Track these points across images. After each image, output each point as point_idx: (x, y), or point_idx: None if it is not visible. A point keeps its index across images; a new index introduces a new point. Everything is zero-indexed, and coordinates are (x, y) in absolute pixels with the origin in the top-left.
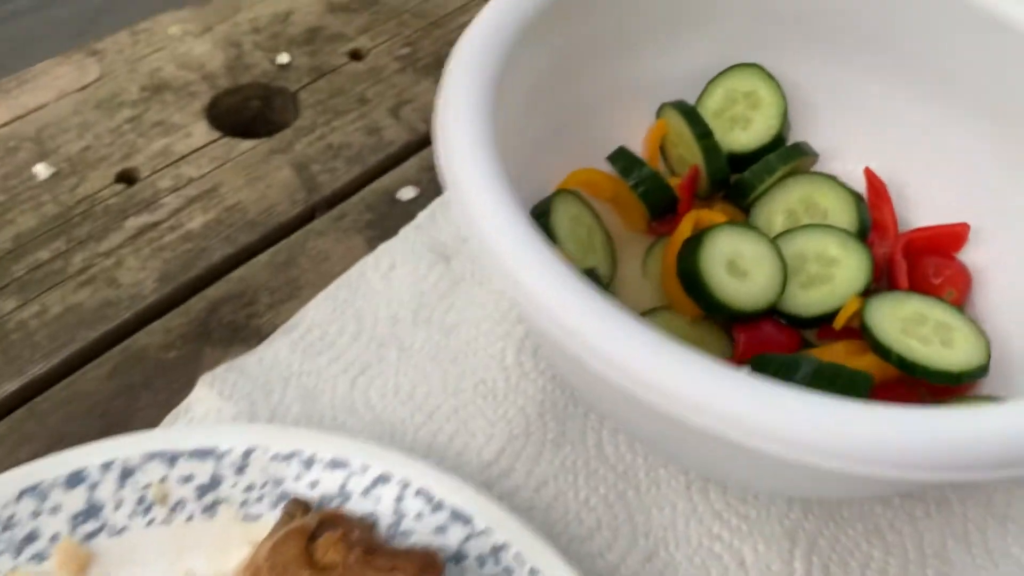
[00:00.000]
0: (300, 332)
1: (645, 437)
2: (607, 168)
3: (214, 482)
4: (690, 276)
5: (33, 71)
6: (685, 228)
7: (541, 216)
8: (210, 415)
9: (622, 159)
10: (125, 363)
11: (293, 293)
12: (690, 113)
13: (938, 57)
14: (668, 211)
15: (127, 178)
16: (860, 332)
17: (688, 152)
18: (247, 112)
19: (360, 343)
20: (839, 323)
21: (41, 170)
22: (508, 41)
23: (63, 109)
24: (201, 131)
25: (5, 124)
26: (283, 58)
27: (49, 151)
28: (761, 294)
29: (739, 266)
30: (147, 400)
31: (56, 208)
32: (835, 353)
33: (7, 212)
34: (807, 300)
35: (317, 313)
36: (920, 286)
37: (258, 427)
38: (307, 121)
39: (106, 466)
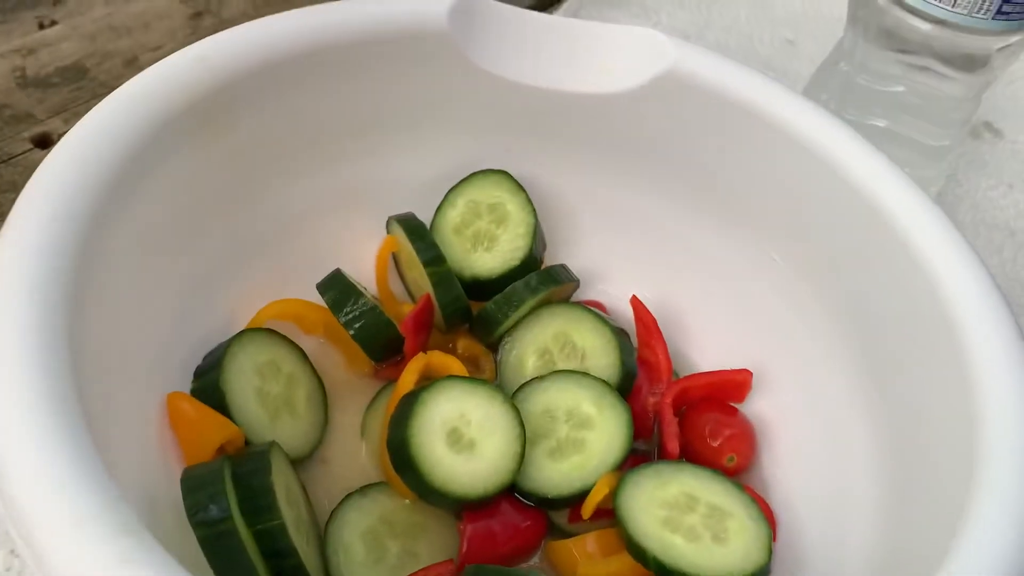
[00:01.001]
0: None
1: None
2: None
3: None
4: (399, 451)
5: None
6: (408, 379)
7: (208, 372)
8: None
9: (333, 288)
10: None
11: None
12: (416, 232)
13: (723, 170)
14: (394, 351)
15: None
16: None
17: (421, 278)
18: None
19: None
20: (588, 511)
21: None
22: (125, 154)
23: None
24: None
25: None
26: None
27: None
28: (490, 474)
29: (464, 436)
30: None
31: None
32: (585, 549)
33: None
34: (554, 475)
35: None
36: (695, 449)
37: None
38: None
39: None
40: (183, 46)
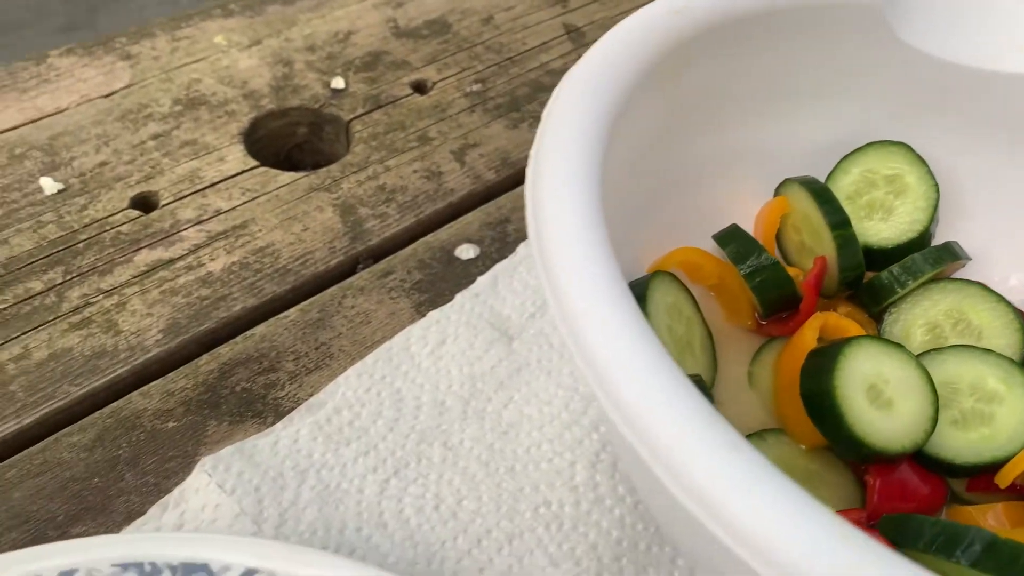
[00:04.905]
0: (327, 413)
1: None
2: (710, 247)
3: None
4: (820, 400)
5: (56, 69)
6: (809, 335)
7: None
8: (206, 511)
9: (735, 241)
10: (112, 430)
11: (322, 362)
12: (823, 194)
13: None
14: (782, 307)
15: (144, 203)
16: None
17: (814, 241)
18: (290, 139)
19: (397, 434)
20: (1006, 480)
21: (47, 184)
22: (621, 88)
23: (83, 117)
24: (236, 157)
25: (15, 127)
26: (338, 82)
27: (60, 163)
28: (907, 433)
29: (883, 394)
30: (132, 481)
31: (58, 231)
32: (995, 517)
33: (2, 230)
34: (959, 444)
35: (348, 390)
36: None
37: (262, 543)
38: (358, 157)
39: None
40: (532, 7)
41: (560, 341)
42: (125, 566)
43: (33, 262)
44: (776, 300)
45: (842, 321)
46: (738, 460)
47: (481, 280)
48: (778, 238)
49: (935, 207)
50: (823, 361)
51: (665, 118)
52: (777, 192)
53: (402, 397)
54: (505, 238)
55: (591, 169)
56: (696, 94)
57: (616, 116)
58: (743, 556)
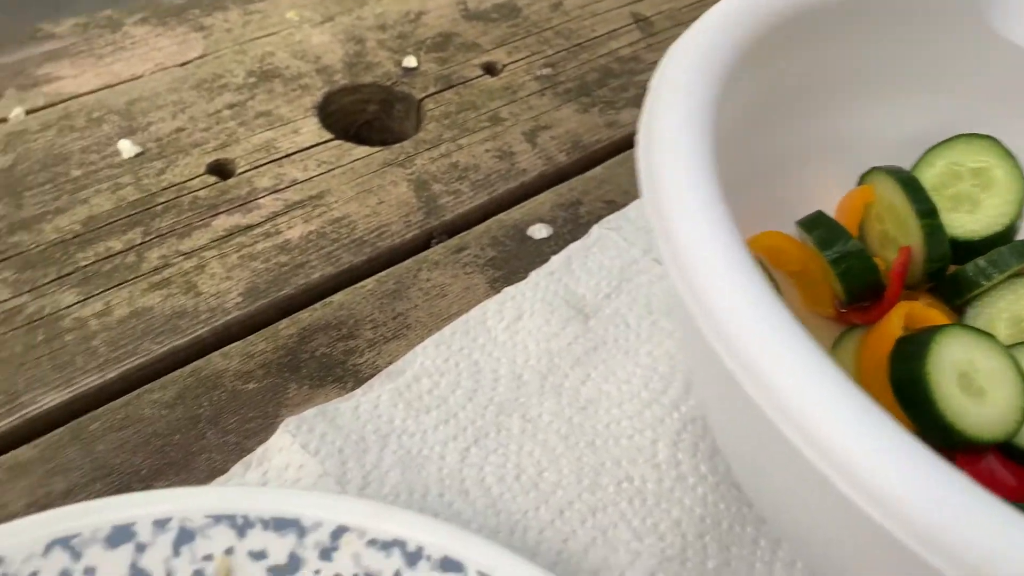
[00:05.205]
0: (406, 380)
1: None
2: (792, 233)
3: (292, 565)
4: (911, 385)
5: (132, 37)
6: (895, 323)
7: None
8: (289, 471)
9: (821, 226)
10: (193, 389)
11: (399, 332)
12: (911, 184)
13: None
14: (864, 295)
15: (221, 170)
16: None
17: (899, 230)
18: (362, 115)
19: (476, 404)
20: None
21: (126, 147)
22: (722, 66)
23: (159, 84)
24: (311, 129)
25: (93, 92)
26: (410, 61)
27: (137, 128)
28: (999, 422)
29: (974, 382)
30: (213, 439)
31: (137, 193)
32: None
33: (81, 190)
34: None
35: (427, 360)
36: None
37: (353, 501)
38: (431, 134)
39: (161, 524)
40: None
41: (637, 322)
42: (218, 518)
43: (112, 222)
44: (860, 287)
45: (927, 311)
46: (874, 423)
47: (555, 259)
48: (861, 227)
49: (1022, 201)
50: (914, 347)
51: (757, 102)
52: (862, 180)
53: (480, 369)
54: (577, 220)
55: (704, 126)
56: (789, 80)
57: (721, 89)
58: (874, 514)
